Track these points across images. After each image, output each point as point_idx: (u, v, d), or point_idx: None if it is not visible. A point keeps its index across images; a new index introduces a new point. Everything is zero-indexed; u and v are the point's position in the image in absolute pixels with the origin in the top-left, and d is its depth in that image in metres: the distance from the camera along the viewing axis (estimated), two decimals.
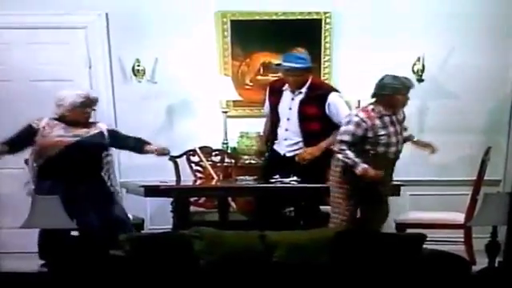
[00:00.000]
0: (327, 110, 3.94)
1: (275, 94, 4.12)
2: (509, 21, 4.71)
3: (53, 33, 4.71)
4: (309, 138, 3.96)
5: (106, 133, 3.76)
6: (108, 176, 3.84)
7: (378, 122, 3.58)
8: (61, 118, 3.66)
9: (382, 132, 3.59)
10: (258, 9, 4.83)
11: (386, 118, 3.62)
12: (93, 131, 3.71)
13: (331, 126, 3.91)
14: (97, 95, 3.86)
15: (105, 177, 3.80)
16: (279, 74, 4.90)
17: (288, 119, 4.03)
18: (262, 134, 4.44)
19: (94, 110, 3.78)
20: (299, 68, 3.94)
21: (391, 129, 3.63)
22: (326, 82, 4.72)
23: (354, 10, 4.79)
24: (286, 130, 4.02)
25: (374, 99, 3.64)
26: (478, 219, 3.51)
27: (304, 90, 3.99)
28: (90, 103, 3.70)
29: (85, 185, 3.60)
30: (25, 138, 3.61)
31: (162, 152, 3.84)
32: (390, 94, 3.60)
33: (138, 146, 3.80)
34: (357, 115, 3.59)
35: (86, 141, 3.64)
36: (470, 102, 4.79)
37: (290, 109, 4.02)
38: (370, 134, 3.57)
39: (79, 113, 3.64)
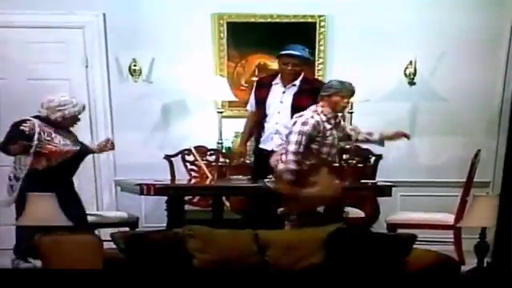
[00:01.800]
0: None
1: (263, 88, 4.12)
2: (499, 27, 4.78)
3: (50, 32, 4.75)
4: None
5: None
6: None
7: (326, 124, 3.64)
8: (48, 120, 3.67)
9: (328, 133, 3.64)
10: (254, 11, 4.88)
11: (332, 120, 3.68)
12: (77, 136, 3.83)
13: None
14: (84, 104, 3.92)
15: None
16: (269, 74, 4.99)
17: (279, 112, 4.04)
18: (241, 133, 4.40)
19: (79, 119, 3.85)
20: (301, 57, 3.98)
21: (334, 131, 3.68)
22: None
23: (348, 14, 4.85)
24: (277, 123, 4.03)
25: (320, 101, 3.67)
26: (468, 220, 3.56)
27: (297, 82, 4.02)
28: (82, 112, 3.80)
29: (67, 185, 3.71)
30: (16, 143, 3.59)
31: (104, 146, 3.87)
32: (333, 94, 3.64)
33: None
34: (312, 117, 3.61)
35: (83, 148, 3.77)
36: (461, 104, 4.85)
37: (281, 102, 4.04)
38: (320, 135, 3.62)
39: (72, 121, 3.73)
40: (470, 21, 4.75)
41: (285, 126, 3.95)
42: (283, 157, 3.58)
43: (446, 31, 4.78)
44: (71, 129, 3.83)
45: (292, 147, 3.56)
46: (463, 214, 3.85)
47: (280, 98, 4.05)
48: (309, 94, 3.97)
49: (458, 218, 3.97)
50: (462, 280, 3.30)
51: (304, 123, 3.58)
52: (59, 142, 3.63)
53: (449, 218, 4.14)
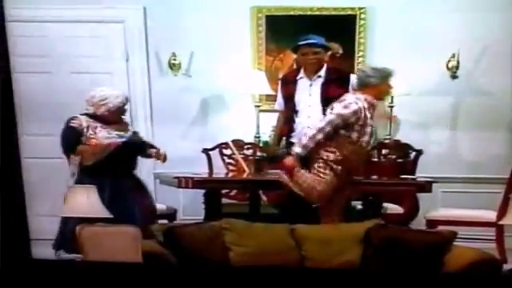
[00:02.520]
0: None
1: (289, 84, 4.08)
2: None
3: (92, 26, 4.84)
4: None
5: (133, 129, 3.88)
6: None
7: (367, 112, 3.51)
8: (95, 116, 3.72)
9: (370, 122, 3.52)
10: (293, 4, 4.85)
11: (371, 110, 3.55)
12: (129, 129, 3.83)
13: None
14: (127, 94, 3.91)
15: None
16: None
17: (309, 106, 3.99)
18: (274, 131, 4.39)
19: (126, 109, 3.86)
20: (320, 44, 3.92)
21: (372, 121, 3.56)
22: None
23: (389, 6, 4.77)
24: (309, 117, 3.98)
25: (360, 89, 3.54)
26: (510, 217, 3.47)
27: (322, 73, 3.97)
28: (126, 103, 3.79)
29: (126, 182, 3.73)
30: (73, 140, 3.66)
31: (158, 155, 3.89)
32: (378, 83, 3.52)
33: (145, 147, 3.91)
34: (356, 103, 3.47)
35: (130, 141, 3.75)
36: (504, 99, 4.72)
37: (310, 95, 3.99)
38: (360, 123, 3.48)
39: (119, 113, 3.74)
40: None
41: (317, 119, 3.90)
42: (308, 131, 3.49)
43: (490, 23, 4.64)
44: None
45: (322, 124, 3.45)
46: (506, 211, 3.75)
47: (308, 91, 4.00)
48: (336, 83, 3.91)
49: (501, 215, 3.87)
50: (504, 279, 3.22)
51: (345, 106, 3.47)
52: (103, 136, 3.66)
53: (491, 215, 4.05)
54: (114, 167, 3.64)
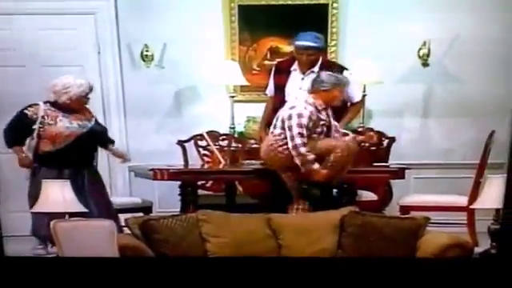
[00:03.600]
0: None
1: (282, 74, 4.10)
2: None
3: (63, 18, 4.76)
4: None
5: (96, 118, 3.84)
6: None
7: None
8: (56, 104, 3.67)
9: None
10: None
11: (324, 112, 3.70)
12: (91, 118, 3.78)
13: (343, 103, 3.94)
14: (93, 84, 3.86)
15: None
16: (286, 58, 4.94)
17: (296, 99, 4.03)
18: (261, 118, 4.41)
19: (89, 98, 3.82)
20: (316, 47, 3.95)
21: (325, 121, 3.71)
22: None
23: None
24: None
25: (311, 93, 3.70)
26: (481, 202, 3.55)
27: (316, 69, 3.99)
28: (90, 92, 3.75)
29: (85, 173, 3.70)
30: (21, 127, 3.62)
31: (122, 155, 3.92)
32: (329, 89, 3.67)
33: (106, 141, 3.90)
34: (305, 108, 3.63)
35: (91, 131, 3.72)
36: (475, 86, 4.79)
37: (300, 88, 4.01)
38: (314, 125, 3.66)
39: (81, 102, 3.70)
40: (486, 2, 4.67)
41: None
42: (294, 152, 3.59)
43: (460, 11, 4.70)
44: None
45: (299, 140, 3.58)
46: (476, 195, 3.83)
47: (299, 84, 4.03)
48: None
49: (472, 199, 3.95)
50: (475, 262, 3.30)
51: (299, 115, 3.60)
52: (63, 126, 3.62)
53: (462, 200, 4.12)
54: (74, 157, 3.61)
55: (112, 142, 3.95)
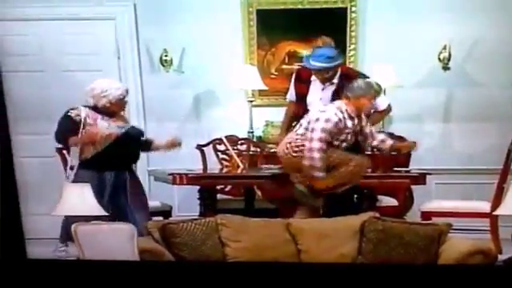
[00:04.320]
0: None
1: (303, 83, 4.02)
2: None
3: (83, 24, 4.82)
4: None
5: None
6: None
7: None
8: (95, 109, 3.68)
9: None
10: None
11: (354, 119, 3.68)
12: (128, 123, 3.79)
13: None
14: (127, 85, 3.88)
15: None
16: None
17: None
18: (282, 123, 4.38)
19: (126, 101, 3.83)
20: (330, 68, 3.85)
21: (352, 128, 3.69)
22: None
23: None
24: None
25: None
26: (504, 208, 3.49)
27: (336, 80, 3.91)
28: (127, 95, 3.75)
29: (126, 177, 3.70)
30: (67, 130, 3.61)
31: (173, 143, 3.86)
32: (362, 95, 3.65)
33: (145, 142, 3.88)
34: (335, 114, 3.60)
35: (130, 132, 3.71)
36: (496, 90, 4.74)
37: (321, 99, 3.95)
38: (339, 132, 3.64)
39: (120, 105, 3.69)
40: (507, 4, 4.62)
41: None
42: (307, 153, 3.57)
43: (481, 15, 4.65)
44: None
45: (317, 144, 3.55)
46: (500, 201, 3.77)
47: (319, 94, 3.96)
48: None
49: (495, 205, 3.89)
50: (499, 269, 3.24)
51: (327, 120, 3.58)
52: (103, 127, 3.61)
53: (485, 206, 4.06)
54: (114, 160, 3.60)
55: (151, 141, 3.90)
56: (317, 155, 3.56)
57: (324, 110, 3.67)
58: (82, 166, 3.62)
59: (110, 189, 3.57)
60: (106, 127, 3.62)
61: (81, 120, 3.60)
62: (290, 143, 3.68)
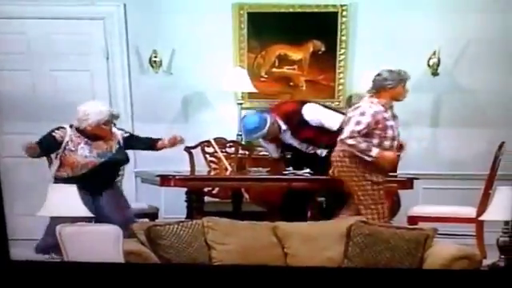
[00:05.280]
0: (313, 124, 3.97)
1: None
2: None
3: (71, 23, 4.77)
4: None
5: (122, 142, 3.81)
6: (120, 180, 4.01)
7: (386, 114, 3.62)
8: (80, 130, 3.68)
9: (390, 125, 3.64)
10: (275, 1, 4.84)
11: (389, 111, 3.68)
12: (114, 146, 3.76)
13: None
14: (119, 111, 3.85)
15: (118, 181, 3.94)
16: (294, 67, 4.94)
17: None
18: None
19: (115, 124, 3.81)
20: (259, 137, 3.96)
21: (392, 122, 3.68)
22: (341, 75, 4.81)
23: (370, 3, 4.79)
24: None
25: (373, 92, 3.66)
26: (490, 213, 3.51)
27: (284, 127, 3.97)
28: (112, 120, 3.74)
29: (105, 195, 3.71)
30: (48, 148, 3.64)
31: (175, 141, 3.88)
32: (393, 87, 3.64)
33: (150, 144, 3.90)
34: (370, 107, 3.60)
35: (110, 160, 3.72)
36: (485, 96, 4.77)
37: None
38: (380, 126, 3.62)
39: (101, 129, 3.69)
40: (495, 11, 4.65)
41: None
42: (342, 146, 3.60)
43: (471, 21, 4.68)
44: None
45: (347, 133, 3.56)
46: (485, 207, 3.79)
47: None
48: (300, 124, 3.95)
49: (480, 211, 3.91)
50: (483, 274, 3.26)
51: (362, 113, 3.59)
52: (82, 154, 3.64)
53: (471, 212, 4.09)
54: (88, 185, 3.58)
55: (155, 142, 3.90)
56: (351, 142, 3.56)
57: (356, 106, 3.68)
58: (58, 180, 3.64)
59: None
60: (85, 155, 3.64)
61: (62, 142, 3.62)
62: (342, 150, 3.66)
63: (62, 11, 4.73)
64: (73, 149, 3.64)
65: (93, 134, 3.68)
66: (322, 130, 3.94)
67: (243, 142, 4.69)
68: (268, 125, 3.91)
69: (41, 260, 3.34)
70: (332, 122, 3.94)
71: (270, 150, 4.20)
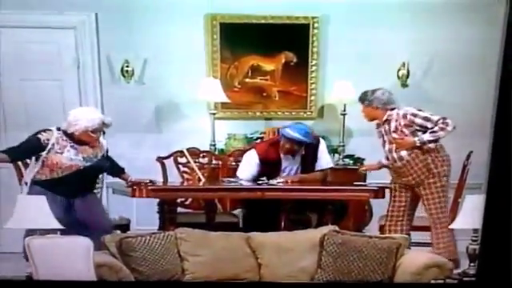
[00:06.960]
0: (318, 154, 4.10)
1: (270, 165, 4.03)
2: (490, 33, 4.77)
3: (42, 32, 4.72)
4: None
5: (105, 153, 3.79)
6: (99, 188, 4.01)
7: None
8: (67, 134, 3.63)
9: None
10: (248, 12, 4.87)
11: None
12: (99, 153, 3.72)
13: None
14: (111, 119, 3.77)
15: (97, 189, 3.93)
16: (267, 78, 4.96)
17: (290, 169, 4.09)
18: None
19: (104, 133, 3.77)
20: (304, 142, 3.96)
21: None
22: (313, 85, 4.87)
23: (341, 16, 4.85)
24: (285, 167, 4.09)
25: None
26: (459, 222, 3.56)
27: (302, 150, 4.01)
28: (101, 128, 3.69)
29: (83, 200, 3.67)
30: (31, 150, 3.58)
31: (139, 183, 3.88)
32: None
33: (116, 171, 3.92)
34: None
35: (94, 166, 3.68)
36: (454, 106, 4.84)
37: (290, 164, 4.07)
38: None
39: (88, 136, 3.64)
40: (463, 22, 4.75)
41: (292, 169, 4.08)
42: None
43: (439, 33, 4.78)
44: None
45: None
46: (456, 215, 3.85)
47: (290, 162, 4.06)
48: (313, 152, 4.07)
49: (451, 219, 3.96)
50: (455, 282, 3.30)
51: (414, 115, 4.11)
52: (67, 157, 3.59)
53: None
54: (69, 188, 3.56)
55: (122, 170, 3.93)
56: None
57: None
58: (36, 183, 3.57)
59: (61, 210, 3.46)
60: (70, 158, 3.59)
61: (47, 145, 3.56)
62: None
63: (32, 20, 4.68)
64: (59, 151, 3.57)
65: (79, 140, 3.63)
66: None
67: (217, 152, 4.68)
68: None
69: (3, 279, 3.24)
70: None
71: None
